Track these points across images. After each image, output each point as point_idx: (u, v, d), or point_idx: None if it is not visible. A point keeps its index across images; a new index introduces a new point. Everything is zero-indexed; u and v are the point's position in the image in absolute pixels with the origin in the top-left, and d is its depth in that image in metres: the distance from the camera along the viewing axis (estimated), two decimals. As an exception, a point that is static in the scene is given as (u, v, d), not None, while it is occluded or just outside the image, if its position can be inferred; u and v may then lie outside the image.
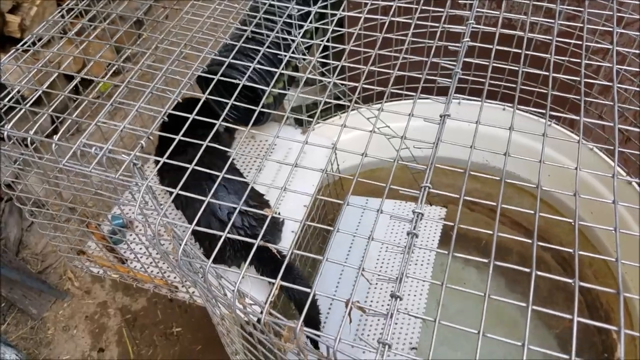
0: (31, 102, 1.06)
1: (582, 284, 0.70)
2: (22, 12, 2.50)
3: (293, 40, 1.21)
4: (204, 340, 2.24)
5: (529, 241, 0.76)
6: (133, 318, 2.33)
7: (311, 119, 0.99)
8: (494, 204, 0.80)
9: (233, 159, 1.25)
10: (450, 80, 0.93)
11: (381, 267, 1.60)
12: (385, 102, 1.00)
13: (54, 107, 1.09)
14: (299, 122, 1.74)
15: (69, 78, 1.35)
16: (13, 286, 2.25)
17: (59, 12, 1.19)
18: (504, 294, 1.93)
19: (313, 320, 1.30)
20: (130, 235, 1.40)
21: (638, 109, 1.03)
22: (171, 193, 0.85)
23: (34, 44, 1.17)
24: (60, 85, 1.28)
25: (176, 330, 2.28)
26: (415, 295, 1.49)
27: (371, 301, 1.51)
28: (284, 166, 1.55)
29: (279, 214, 1.32)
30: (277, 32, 1.18)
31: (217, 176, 0.86)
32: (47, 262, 2.50)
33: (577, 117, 0.91)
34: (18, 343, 2.25)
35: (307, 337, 0.73)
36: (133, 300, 2.39)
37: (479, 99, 0.96)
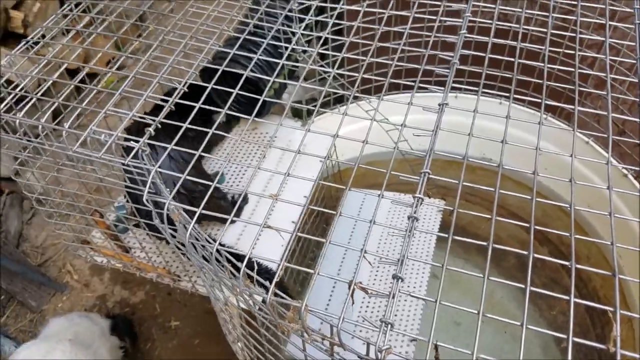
0: (39, 93, 1.08)
1: (578, 266, 0.73)
2: (25, 8, 2.53)
3: (294, 34, 1.23)
4: (202, 334, 2.25)
5: (527, 225, 0.79)
6: (131, 311, 2.34)
7: (312, 109, 1.01)
8: (492, 189, 0.82)
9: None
10: (448, 69, 0.96)
11: (382, 253, 1.63)
12: (384, 95, 1.02)
13: (59, 99, 1.12)
14: (298, 116, 1.76)
15: (71, 74, 1.36)
16: (13, 278, 2.27)
17: (68, 6, 1.22)
18: (503, 291, 1.97)
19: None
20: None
21: (635, 99, 1.06)
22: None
23: (43, 36, 1.19)
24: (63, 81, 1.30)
25: (174, 323, 2.29)
26: (415, 287, 1.52)
27: (372, 285, 1.55)
28: (284, 159, 1.58)
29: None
30: (278, 26, 1.20)
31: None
32: (47, 255, 2.52)
33: (572, 107, 0.94)
34: (17, 335, 2.26)
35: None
36: (132, 293, 2.40)
37: (476, 91, 0.99)
